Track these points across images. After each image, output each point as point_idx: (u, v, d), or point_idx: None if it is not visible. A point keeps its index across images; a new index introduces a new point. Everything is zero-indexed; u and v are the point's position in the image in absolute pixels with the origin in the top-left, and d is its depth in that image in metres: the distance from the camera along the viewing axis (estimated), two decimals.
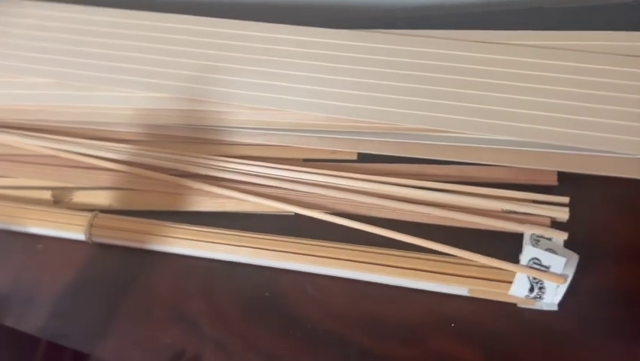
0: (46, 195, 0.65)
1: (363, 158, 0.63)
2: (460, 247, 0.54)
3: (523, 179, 0.58)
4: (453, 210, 0.58)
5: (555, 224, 0.55)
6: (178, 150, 0.65)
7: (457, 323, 0.54)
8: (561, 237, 0.52)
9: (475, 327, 0.54)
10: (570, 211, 0.54)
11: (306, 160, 0.64)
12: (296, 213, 0.61)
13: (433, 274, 0.55)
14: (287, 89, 0.64)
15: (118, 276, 0.61)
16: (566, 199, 0.55)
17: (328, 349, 0.54)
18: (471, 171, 0.61)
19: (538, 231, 0.53)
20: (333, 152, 0.63)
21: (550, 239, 0.52)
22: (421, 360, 0.53)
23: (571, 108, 0.59)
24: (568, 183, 0.57)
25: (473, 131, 0.60)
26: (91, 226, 0.61)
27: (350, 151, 0.63)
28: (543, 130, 0.58)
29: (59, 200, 0.65)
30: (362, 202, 0.60)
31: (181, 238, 0.60)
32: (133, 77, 0.67)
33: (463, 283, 0.54)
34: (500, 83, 0.62)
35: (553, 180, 0.58)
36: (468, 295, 0.55)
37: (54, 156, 0.66)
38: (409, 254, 0.56)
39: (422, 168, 0.62)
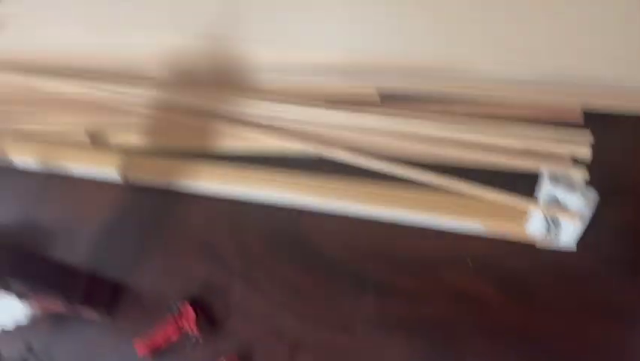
0: (84, 137, 0.69)
1: (385, 99, 0.63)
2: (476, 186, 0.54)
3: (545, 117, 0.57)
4: (471, 147, 0.57)
5: (577, 164, 0.54)
6: (205, 93, 0.66)
7: (474, 260, 0.55)
8: (581, 175, 0.51)
9: (492, 265, 0.54)
10: (593, 151, 0.53)
11: (329, 101, 0.64)
12: (319, 156, 0.63)
13: (448, 209, 0.55)
14: (312, 31, 0.64)
15: (151, 214, 0.65)
16: (587, 135, 0.53)
17: (346, 281, 0.57)
18: (493, 109, 0.60)
19: (558, 169, 0.52)
20: (351, 87, 0.63)
21: (569, 178, 0.52)
22: (434, 293, 0.54)
23: (595, 38, 0.56)
24: (593, 123, 0.56)
25: (495, 65, 0.58)
26: (125, 165, 0.65)
27: (369, 86, 0.63)
28: (565, 63, 0.56)
29: (95, 141, 0.69)
30: (382, 142, 0.60)
31: (210, 177, 0.63)
32: (159, 18, 0.69)
33: (478, 219, 0.54)
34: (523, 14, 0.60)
35: (577, 118, 0.56)
36: (485, 234, 0.55)
37: (88, 100, 0.69)
38: (425, 191, 0.57)
39: (444, 106, 0.61)
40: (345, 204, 0.59)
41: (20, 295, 0.53)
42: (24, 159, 0.68)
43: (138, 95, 0.67)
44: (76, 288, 0.56)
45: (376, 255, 0.58)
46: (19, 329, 0.61)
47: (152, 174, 0.64)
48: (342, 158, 0.60)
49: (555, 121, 0.57)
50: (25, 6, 0.75)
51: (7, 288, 0.51)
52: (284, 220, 0.61)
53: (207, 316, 0.58)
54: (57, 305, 0.55)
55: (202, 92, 0.66)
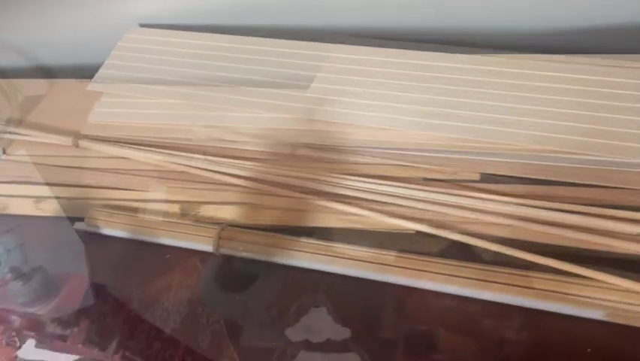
0: (176, 208, 0.69)
1: (486, 179, 0.63)
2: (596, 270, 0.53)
3: None
4: (583, 231, 0.56)
5: None
6: (302, 168, 0.67)
7: (594, 349, 0.52)
8: None
9: (614, 354, 0.52)
10: None
11: (426, 179, 0.64)
12: (417, 232, 0.62)
13: (566, 296, 0.53)
14: (406, 110, 0.66)
15: (243, 285, 0.63)
16: None
17: None
18: (600, 193, 0.60)
19: None
20: (455, 172, 0.64)
21: None
22: None
23: None
24: None
25: (599, 152, 0.59)
26: (219, 237, 0.64)
27: (472, 172, 0.63)
28: None
29: (187, 213, 0.69)
30: (485, 221, 0.60)
31: (305, 252, 0.62)
32: (259, 99, 0.71)
33: (600, 306, 0.52)
34: (626, 105, 0.61)
35: None
36: (604, 318, 0.53)
37: (183, 172, 0.70)
38: (538, 275, 0.55)
39: (549, 189, 0.61)
40: (449, 285, 0.57)
41: None
42: (114, 227, 0.68)
43: (235, 169, 0.68)
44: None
45: (487, 341, 0.55)
46: None
47: (247, 246, 0.63)
48: (447, 237, 0.59)
49: None
50: (125, 80, 0.78)
51: None
52: (385, 297, 0.59)
53: None
54: None
55: (299, 169, 0.67)
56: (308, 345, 0.58)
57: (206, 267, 0.65)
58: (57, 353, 0.56)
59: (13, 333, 0.59)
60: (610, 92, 0.63)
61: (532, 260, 0.55)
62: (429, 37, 0.78)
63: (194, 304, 0.63)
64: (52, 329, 0.37)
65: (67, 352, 0.43)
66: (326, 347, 0.57)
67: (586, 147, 0.60)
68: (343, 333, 0.58)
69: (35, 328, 0.36)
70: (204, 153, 0.71)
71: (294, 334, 0.58)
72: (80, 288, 0.38)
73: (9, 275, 0.35)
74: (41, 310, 0.37)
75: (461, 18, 0.78)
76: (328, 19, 0.81)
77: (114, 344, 0.42)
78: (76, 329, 0.37)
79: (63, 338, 0.38)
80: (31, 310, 0.37)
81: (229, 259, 0.65)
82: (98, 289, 0.40)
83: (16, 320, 0.37)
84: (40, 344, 0.42)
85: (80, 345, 0.38)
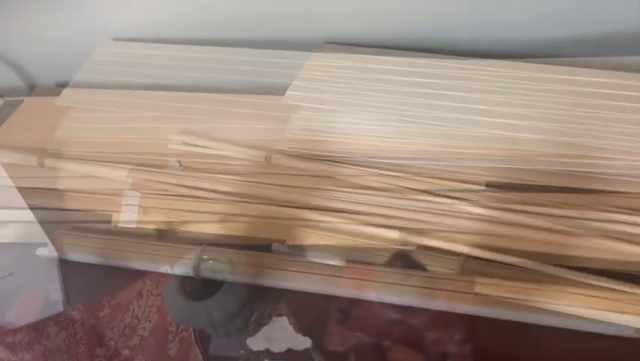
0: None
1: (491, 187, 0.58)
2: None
3: None
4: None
5: None
6: (285, 179, 0.62)
7: None
8: None
9: None
10: None
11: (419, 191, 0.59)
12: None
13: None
14: (395, 118, 0.61)
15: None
16: None
17: None
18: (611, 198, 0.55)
19: None
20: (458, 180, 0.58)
21: None
22: None
23: None
24: None
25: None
26: (200, 259, 0.57)
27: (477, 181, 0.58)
28: None
29: (162, 234, 0.63)
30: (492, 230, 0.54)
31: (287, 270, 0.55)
32: (238, 108, 0.66)
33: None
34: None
35: None
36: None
37: (158, 189, 0.64)
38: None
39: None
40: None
41: None
42: (81, 251, 0.62)
43: (213, 184, 0.62)
44: None
45: None
46: None
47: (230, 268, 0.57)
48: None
49: None
50: (94, 93, 0.72)
51: None
52: None
53: None
54: None
55: (284, 180, 0.62)
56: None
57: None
58: None
59: None
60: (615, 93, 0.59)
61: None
62: (419, 46, 0.74)
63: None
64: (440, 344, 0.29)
65: None
66: None
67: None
68: None
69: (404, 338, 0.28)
70: (180, 163, 0.65)
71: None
72: (33, 305, 0.31)
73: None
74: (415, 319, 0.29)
75: (448, 26, 0.73)
76: (303, 29, 0.76)
77: None
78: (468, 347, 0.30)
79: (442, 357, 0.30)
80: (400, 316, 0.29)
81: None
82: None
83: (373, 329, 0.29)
84: None
85: None
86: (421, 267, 0.26)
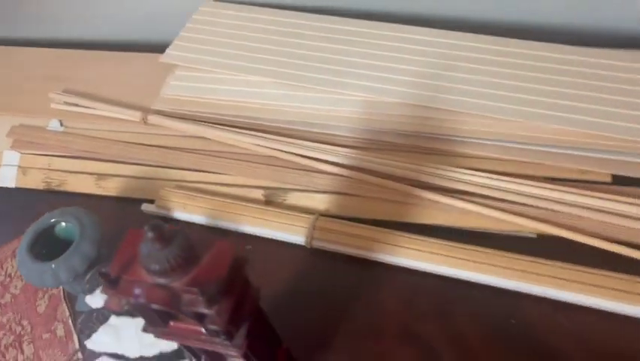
0: (258, 194, 0.62)
1: (619, 181, 0.57)
2: None
3: None
4: None
5: None
6: (405, 157, 0.60)
7: None
8: None
9: None
10: None
11: (548, 178, 0.58)
12: (538, 236, 0.55)
13: None
14: (528, 101, 0.60)
15: (337, 286, 0.56)
16: None
17: None
18: None
19: None
20: (583, 171, 0.57)
21: None
22: None
23: None
24: None
25: None
26: (313, 228, 0.57)
27: (603, 172, 0.57)
28: None
29: (271, 200, 0.62)
30: (618, 225, 0.53)
31: (412, 249, 0.55)
32: (357, 80, 0.64)
33: None
34: None
35: None
36: None
37: (270, 156, 0.63)
38: None
39: None
40: (582, 295, 0.50)
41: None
42: (188, 211, 0.61)
43: (329, 155, 0.61)
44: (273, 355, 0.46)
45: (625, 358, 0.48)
46: None
47: (345, 239, 0.56)
48: (574, 239, 0.53)
49: None
50: (203, 52, 0.71)
51: (197, 358, 0.41)
52: (504, 306, 0.52)
53: None
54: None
55: (402, 157, 0.60)
56: None
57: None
58: (140, 338, 0.49)
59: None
60: None
61: None
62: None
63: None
64: (190, 304, 0.29)
65: (179, 339, 0.36)
66: None
67: None
68: None
69: (168, 302, 0.29)
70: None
71: None
72: (223, 258, 0.30)
73: (150, 235, 0.28)
74: (175, 282, 0.30)
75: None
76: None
77: (242, 333, 0.34)
78: (217, 308, 0.30)
79: (199, 317, 0.30)
80: (163, 280, 0.30)
81: (320, 254, 0.58)
82: (240, 265, 0.33)
83: (141, 293, 0.30)
84: (150, 327, 0.35)
85: (217, 327, 0.30)
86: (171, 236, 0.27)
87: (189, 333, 0.35)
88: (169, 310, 0.31)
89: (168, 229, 0.29)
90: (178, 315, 0.33)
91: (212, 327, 0.31)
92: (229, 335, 0.33)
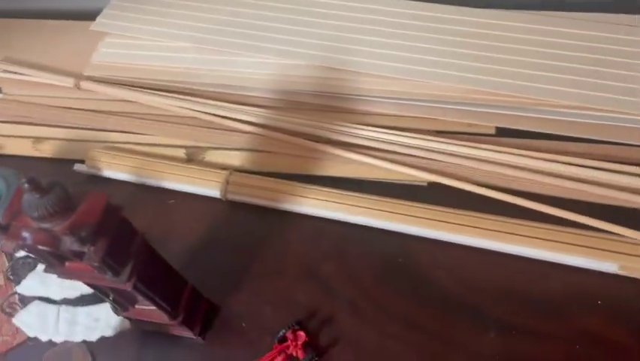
0: (181, 153, 0.67)
1: (502, 133, 0.63)
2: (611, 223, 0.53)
3: None
4: (598, 185, 0.56)
5: None
6: (312, 116, 0.66)
7: (604, 301, 0.52)
8: None
9: (625, 307, 0.52)
10: None
11: (439, 132, 0.64)
12: (428, 184, 0.61)
13: (581, 248, 0.53)
14: (421, 61, 0.65)
15: (250, 233, 0.62)
16: None
17: (464, 319, 0.53)
18: (613, 150, 0.59)
19: None
20: (470, 125, 0.63)
21: None
22: (567, 338, 0.51)
23: None
24: None
25: (615, 107, 0.59)
26: (227, 182, 0.63)
27: (487, 125, 0.63)
28: None
29: (192, 158, 0.67)
30: (499, 173, 0.59)
31: (315, 199, 0.61)
32: (269, 44, 0.69)
33: (614, 259, 0.52)
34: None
35: None
36: (617, 272, 0.53)
37: (191, 117, 0.68)
38: (551, 227, 0.55)
39: (563, 145, 0.60)
40: (460, 235, 0.57)
41: (117, 305, 0.49)
42: (116, 170, 0.66)
43: (244, 115, 0.66)
44: (180, 298, 0.52)
45: (497, 291, 0.55)
46: (106, 342, 0.57)
47: (255, 191, 0.62)
48: (459, 187, 0.59)
49: None
50: (131, 20, 0.75)
51: (106, 296, 0.47)
52: (393, 247, 0.59)
53: (313, 344, 0.54)
54: (153, 315, 0.50)
55: (309, 116, 0.66)
56: None
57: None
58: (61, 282, 0.55)
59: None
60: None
61: (548, 212, 0.55)
62: None
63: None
64: (69, 245, 0.35)
65: (77, 277, 0.42)
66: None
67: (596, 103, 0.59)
68: None
69: (50, 243, 0.35)
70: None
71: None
72: (97, 205, 0.36)
73: (26, 186, 0.33)
74: (56, 226, 0.35)
75: None
76: None
77: (128, 270, 0.40)
78: (92, 248, 0.36)
79: (79, 255, 0.36)
80: (46, 225, 0.35)
81: (234, 206, 0.64)
82: (114, 211, 0.38)
83: (28, 237, 0.35)
84: (50, 268, 0.41)
85: (95, 264, 0.36)
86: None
87: (83, 271, 0.41)
88: (55, 250, 0.36)
89: (46, 182, 0.35)
90: (67, 255, 0.39)
91: (93, 263, 0.37)
92: (114, 271, 0.39)
